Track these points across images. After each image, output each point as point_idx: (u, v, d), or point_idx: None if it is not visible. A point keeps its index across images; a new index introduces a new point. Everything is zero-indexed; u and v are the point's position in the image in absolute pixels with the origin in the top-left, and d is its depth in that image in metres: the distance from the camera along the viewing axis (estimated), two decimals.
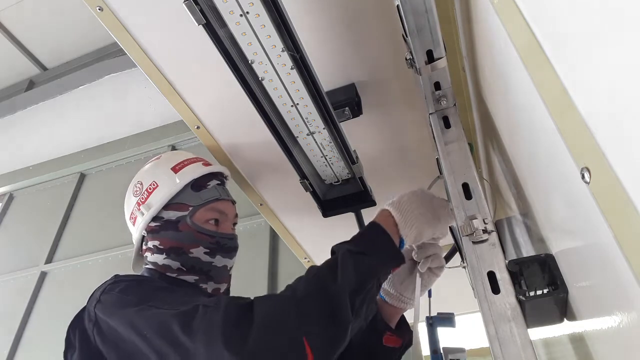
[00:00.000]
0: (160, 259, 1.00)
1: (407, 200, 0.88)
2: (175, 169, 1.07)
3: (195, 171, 1.06)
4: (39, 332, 3.32)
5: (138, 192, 1.07)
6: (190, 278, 0.99)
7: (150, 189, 1.05)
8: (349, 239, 0.84)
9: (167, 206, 1.02)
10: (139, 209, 1.04)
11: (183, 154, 1.14)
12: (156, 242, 1.01)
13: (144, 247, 1.05)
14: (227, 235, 1.04)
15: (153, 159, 1.15)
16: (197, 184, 1.05)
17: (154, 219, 1.02)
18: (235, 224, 1.10)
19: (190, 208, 1.02)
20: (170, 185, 1.04)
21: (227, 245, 1.03)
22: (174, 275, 0.99)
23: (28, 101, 4.02)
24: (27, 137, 4.19)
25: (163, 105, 1.27)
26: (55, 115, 4.02)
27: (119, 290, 0.83)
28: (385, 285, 1.01)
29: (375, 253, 0.80)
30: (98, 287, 0.88)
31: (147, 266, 1.02)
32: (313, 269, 0.78)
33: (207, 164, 1.12)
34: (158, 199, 1.02)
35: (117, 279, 0.88)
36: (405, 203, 0.87)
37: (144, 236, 1.04)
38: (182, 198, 1.03)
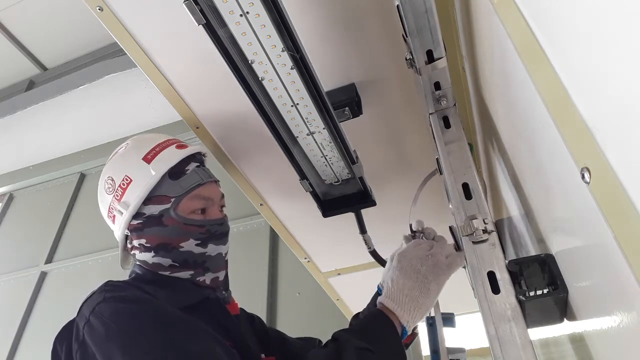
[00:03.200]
0: (149, 257, 0.94)
1: (400, 285, 0.86)
2: (148, 159, 0.96)
3: (170, 158, 0.96)
4: (39, 332, 3.32)
5: (111, 189, 0.97)
6: (185, 274, 0.93)
7: (123, 184, 0.95)
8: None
9: (147, 200, 0.93)
10: (117, 208, 0.95)
11: (152, 137, 1.02)
12: (142, 241, 0.94)
13: (129, 245, 0.98)
14: (217, 221, 0.97)
15: (119, 147, 1.03)
16: (175, 171, 0.95)
17: (135, 216, 0.94)
18: (223, 206, 1.03)
19: (173, 199, 0.93)
20: (145, 178, 0.94)
21: (218, 232, 0.97)
22: (167, 272, 0.93)
23: (28, 101, 4.03)
24: (27, 137, 4.19)
25: (163, 105, 1.27)
26: (55, 115, 4.03)
27: (109, 316, 0.76)
28: None
29: (380, 350, 0.78)
30: (88, 301, 0.81)
31: (137, 263, 0.96)
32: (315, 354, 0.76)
33: (181, 145, 1.01)
34: (135, 196, 0.93)
35: (106, 295, 0.80)
36: (396, 291, 0.85)
37: (127, 235, 0.97)
38: (162, 190, 0.94)
